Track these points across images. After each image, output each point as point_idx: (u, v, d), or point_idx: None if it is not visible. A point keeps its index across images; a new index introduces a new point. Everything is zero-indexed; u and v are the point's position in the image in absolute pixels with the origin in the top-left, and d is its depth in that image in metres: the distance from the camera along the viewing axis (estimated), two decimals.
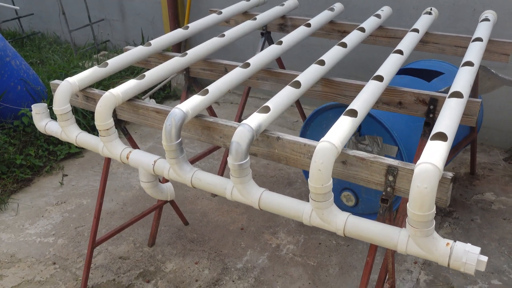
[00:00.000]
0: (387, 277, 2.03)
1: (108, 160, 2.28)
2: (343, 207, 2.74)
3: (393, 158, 2.52)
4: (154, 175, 2.03)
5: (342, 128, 1.56)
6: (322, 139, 1.50)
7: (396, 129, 2.37)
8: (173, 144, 1.77)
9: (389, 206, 1.56)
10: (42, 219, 2.99)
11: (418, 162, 1.36)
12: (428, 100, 1.95)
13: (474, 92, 2.63)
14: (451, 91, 1.74)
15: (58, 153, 3.66)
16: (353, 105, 1.70)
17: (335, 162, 1.62)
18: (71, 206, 3.12)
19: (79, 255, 2.66)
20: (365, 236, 1.50)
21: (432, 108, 1.95)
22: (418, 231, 1.36)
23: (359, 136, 2.49)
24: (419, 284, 2.37)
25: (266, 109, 1.75)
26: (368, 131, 2.46)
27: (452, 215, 2.91)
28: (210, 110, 2.86)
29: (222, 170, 3.17)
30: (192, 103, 1.84)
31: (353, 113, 1.65)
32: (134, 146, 2.37)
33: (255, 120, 1.68)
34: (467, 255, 1.34)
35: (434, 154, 1.37)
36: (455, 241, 1.39)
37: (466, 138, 2.97)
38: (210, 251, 2.65)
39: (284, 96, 1.83)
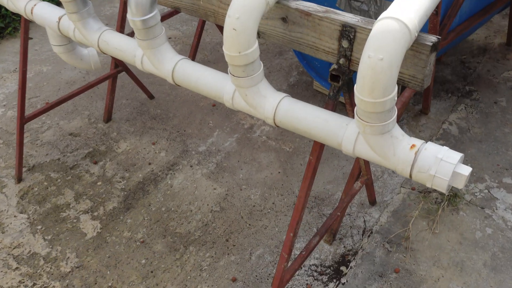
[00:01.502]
0: (360, 174, 1.62)
1: (25, 19, 1.82)
2: None
3: None
4: (65, 36, 1.58)
5: None
6: None
7: None
8: None
9: (343, 86, 1.08)
10: None
11: (380, 17, 0.84)
12: None
13: None
14: None
15: None
16: None
17: (272, 19, 1.12)
18: (29, 74, 2.75)
19: (28, 129, 2.35)
20: (301, 129, 1.05)
21: None
22: (368, 126, 0.90)
23: None
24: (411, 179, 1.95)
25: None
26: None
27: (471, 95, 2.38)
28: None
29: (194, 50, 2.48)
30: None
31: None
32: None
33: None
34: (439, 165, 0.88)
35: (407, 4, 0.84)
36: (425, 142, 0.92)
37: None
38: (172, 130, 2.28)
39: None
